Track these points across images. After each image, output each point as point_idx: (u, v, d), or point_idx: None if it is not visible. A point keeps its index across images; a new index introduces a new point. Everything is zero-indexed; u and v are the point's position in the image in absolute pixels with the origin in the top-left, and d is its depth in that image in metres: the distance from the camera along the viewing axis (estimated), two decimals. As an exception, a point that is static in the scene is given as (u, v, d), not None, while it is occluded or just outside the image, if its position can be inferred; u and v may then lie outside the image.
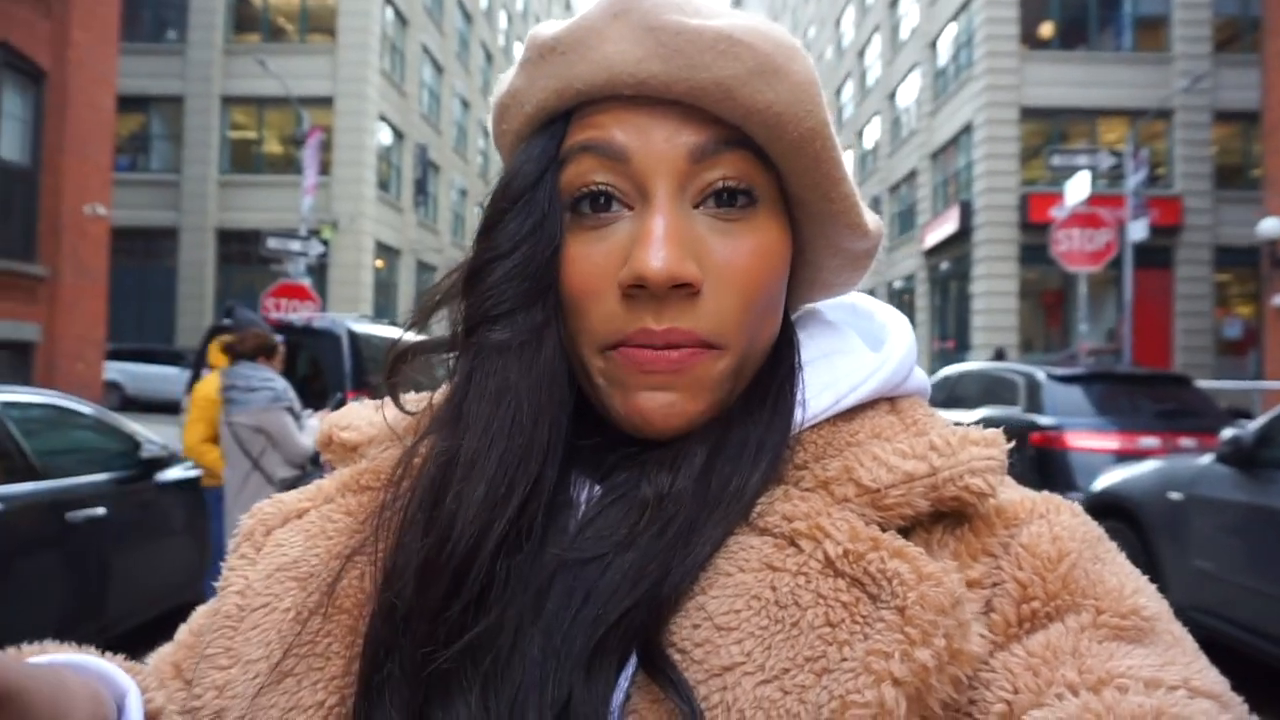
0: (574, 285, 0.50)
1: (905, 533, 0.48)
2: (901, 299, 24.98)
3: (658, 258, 0.47)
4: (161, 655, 0.58)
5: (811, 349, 0.57)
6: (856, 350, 0.57)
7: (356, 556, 0.50)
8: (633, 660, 0.44)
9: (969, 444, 0.49)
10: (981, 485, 0.47)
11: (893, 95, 26.10)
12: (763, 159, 0.51)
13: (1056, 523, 0.48)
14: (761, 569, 0.45)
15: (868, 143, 29.22)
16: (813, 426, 0.53)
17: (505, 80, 0.55)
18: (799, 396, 0.53)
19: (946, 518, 0.49)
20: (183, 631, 0.59)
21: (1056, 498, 0.51)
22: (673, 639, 0.44)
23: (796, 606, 0.44)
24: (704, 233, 0.50)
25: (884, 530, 0.47)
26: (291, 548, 0.54)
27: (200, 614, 0.58)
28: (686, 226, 0.49)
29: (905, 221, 25.15)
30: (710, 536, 0.47)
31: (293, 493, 0.58)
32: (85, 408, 4.48)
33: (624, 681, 0.44)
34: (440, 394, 0.55)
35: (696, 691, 0.42)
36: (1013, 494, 0.51)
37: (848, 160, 0.54)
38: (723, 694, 0.42)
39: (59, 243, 10.51)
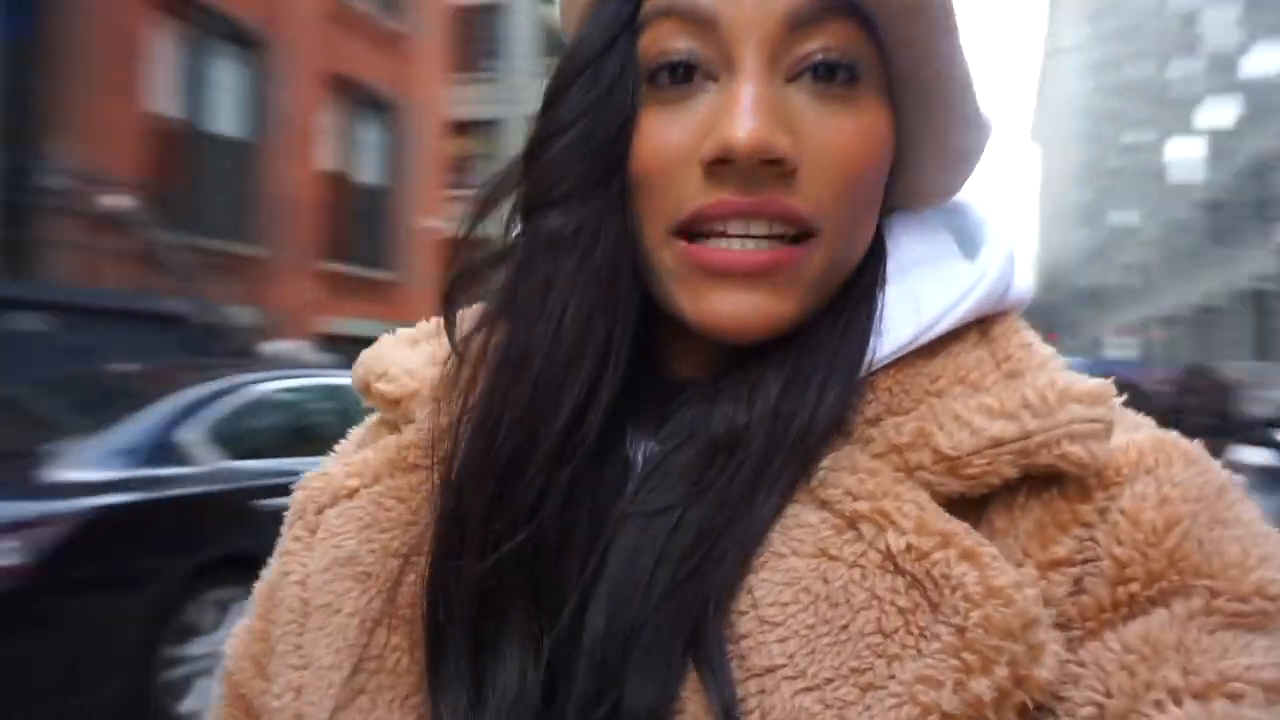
0: (645, 161, 0.44)
1: (984, 499, 0.41)
2: (1256, 300, 21.59)
3: (746, 126, 0.41)
4: (245, 644, 0.54)
5: (897, 258, 0.49)
6: (947, 260, 0.49)
7: (414, 557, 0.46)
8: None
9: (1069, 400, 0.41)
10: (1081, 454, 0.40)
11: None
12: (868, 31, 0.44)
13: (1166, 479, 0.40)
14: (816, 555, 0.40)
15: (1216, 122, 25.59)
16: (888, 365, 0.45)
17: None
18: (876, 324, 0.45)
19: (1035, 477, 0.41)
20: (252, 614, 0.55)
21: (1170, 438, 0.43)
22: (721, 630, 0.39)
23: (848, 606, 0.38)
24: (799, 109, 0.43)
25: (964, 499, 0.41)
26: (346, 538, 0.49)
27: (261, 594, 0.54)
28: (780, 99, 0.43)
29: (1258, 212, 21.69)
30: (770, 500, 0.41)
31: (338, 464, 0.53)
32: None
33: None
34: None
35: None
36: (1118, 438, 0.42)
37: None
38: (759, 698, 0.38)
39: (403, 252, 12.18)
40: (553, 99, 0.47)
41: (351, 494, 0.51)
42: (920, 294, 0.46)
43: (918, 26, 0.44)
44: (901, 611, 0.38)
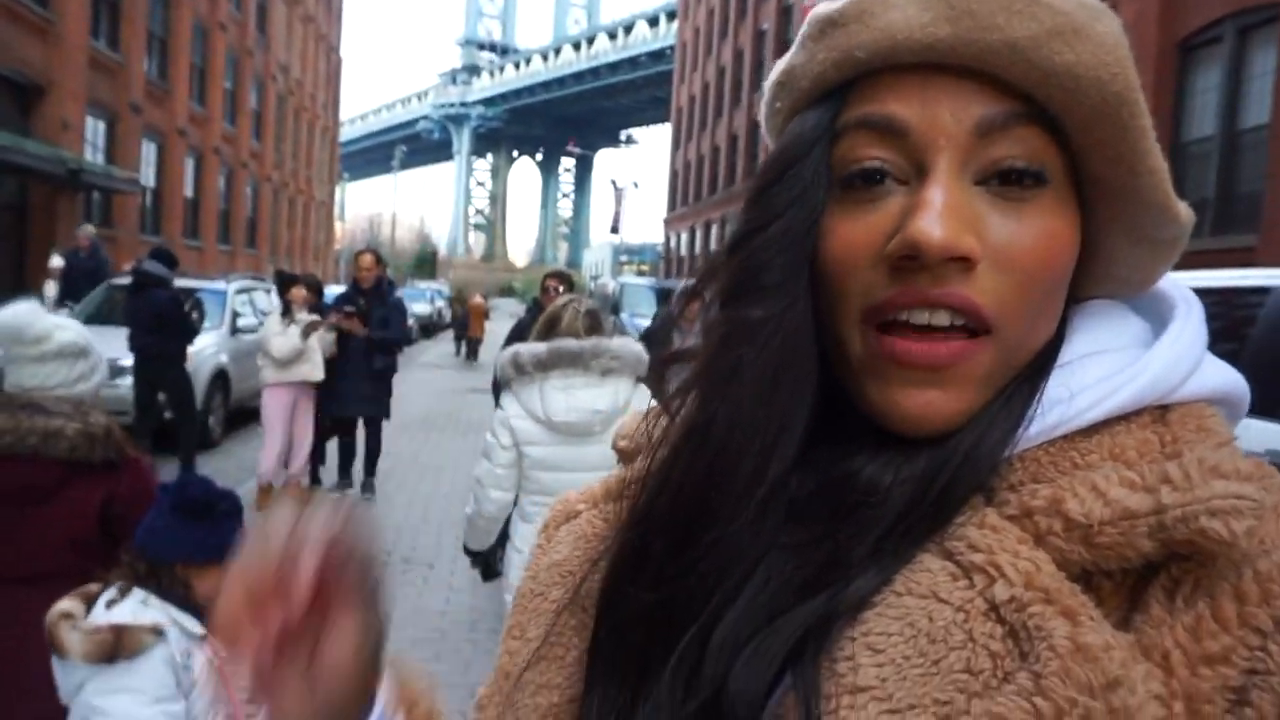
0: (833, 255, 0.48)
1: (1142, 579, 0.42)
2: None
3: (934, 224, 0.43)
4: None
5: (1076, 345, 0.50)
6: (1123, 350, 0.49)
7: (600, 562, 0.54)
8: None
9: (1216, 477, 0.40)
10: (1219, 530, 0.39)
11: None
12: (1056, 136, 0.46)
13: None
14: (927, 596, 0.43)
15: None
16: (1043, 445, 0.46)
17: (783, 60, 0.53)
18: (1031, 412, 0.47)
19: (1206, 564, 0.40)
20: None
21: None
22: (827, 646, 0.43)
23: (945, 644, 0.41)
24: (984, 211, 0.46)
25: (1104, 573, 0.41)
26: (563, 545, 0.61)
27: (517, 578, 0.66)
28: (966, 202, 0.45)
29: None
30: (900, 549, 0.45)
31: (578, 492, 0.65)
32: None
33: (787, 679, 0.43)
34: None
35: (826, 704, 0.41)
36: None
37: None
38: (848, 712, 0.41)
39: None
40: (755, 199, 0.51)
41: (577, 515, 0.63)
42: (1080, 382, 0.47)
43: (1105, 130, 0.46)
44: (992, 655, 0.40)
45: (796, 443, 0.49)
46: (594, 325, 2.84)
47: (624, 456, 0.61)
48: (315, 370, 6.45)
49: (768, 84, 0.55)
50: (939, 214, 0.44)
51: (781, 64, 0.53)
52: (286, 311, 6.47)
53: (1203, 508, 0.39)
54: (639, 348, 2.82)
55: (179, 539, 1.84)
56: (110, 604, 1.78)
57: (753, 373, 0.48)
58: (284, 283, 6.69)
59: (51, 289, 10.77)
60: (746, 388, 0.48)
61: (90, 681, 1.70)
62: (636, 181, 56.04)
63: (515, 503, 2.86)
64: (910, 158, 0.47)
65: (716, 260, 0.52)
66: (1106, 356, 0.49)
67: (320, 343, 6.43)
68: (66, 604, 1.77)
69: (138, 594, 1.80)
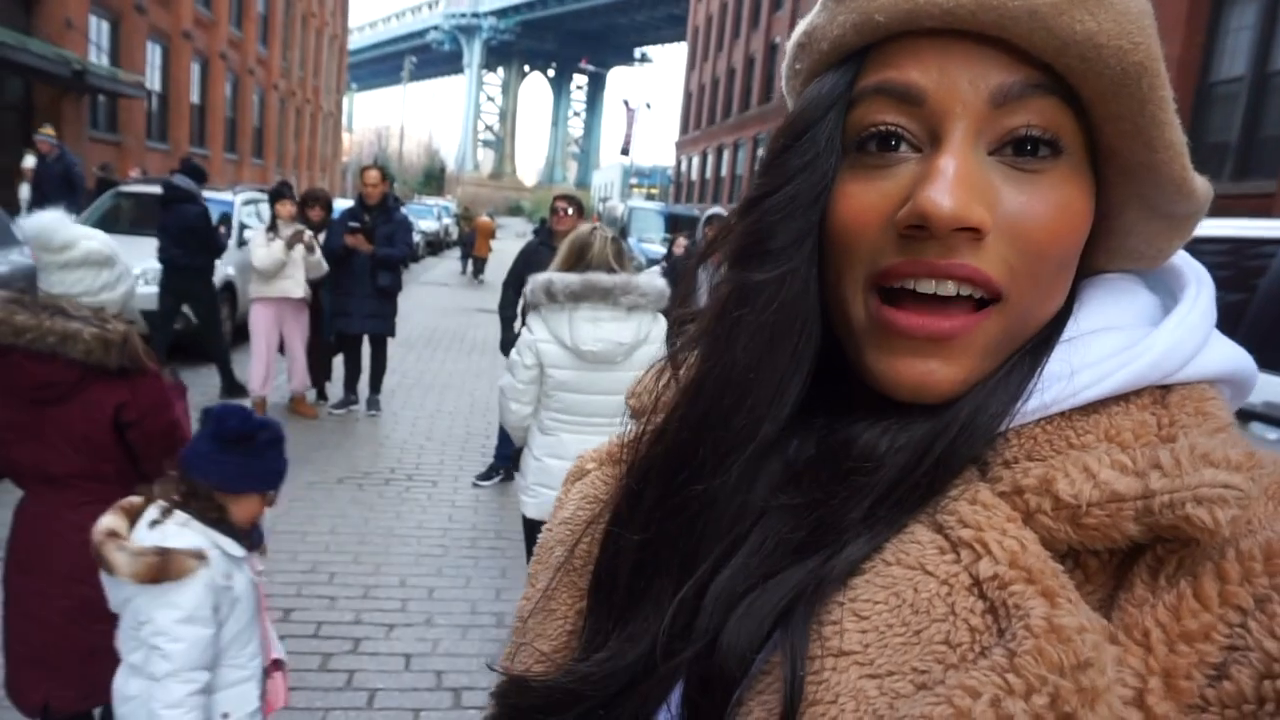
0: (842, 220, 0.48)
1: (1128, 560, 0.42)
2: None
3: (944, 195, 0.43)
4: None
5: (1083, 321, 0.50)
6: (1129, 327, 0.49)
7: (592, 527, 0.57)
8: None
9: (1205, 465, 0.40)
10: (1204, 518, 0.39)
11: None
12: (1073, 107, 0.46)
13: None
14: (915, 567, 0.43)
15: None
16: (1039, 420, 0.47)
17: (805, 20, 0.52)
18: (1032, 385, 0.47)
19: (1190, 545, 0.41)
20: None
21: None
22: (815, 610, 0.44)
23: (928, 615, 0.41)
24: (997, 181, 0.45)
25: (1090, 553, 0.42)
26: (571, 503, 0.64)
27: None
28: (979, 172, 0.45)
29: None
30: (892, 517, 0.45)
31: (592, 450, 0.67)
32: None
33: (776, 637, 0.45)
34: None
35: (810, 665, 0.42)
36: None
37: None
38: (831, 674, 0.42)
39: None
40: (768, 163, 0.51)
41: (586, 474, 0.66)
42: (1082, 359, 0.47)
43: (1124, 102, 0.45)
44: (972, 630, 0.40)
45: (790, 405, 0.50)
46: (619, 254, 3.01)
47: (635, 414, 0.61)
48: (296, 287, 6.42)
49: (789, 44, 0.55)
50: (950, 184, 0.44)
51: (803, 25, 0.53)
52: (273, 225, 6.43)
53: (1190, 495, 0.39)
54: (662, 284, 2.99)
55: (218, 466, 1.91)
56: (153, 524, 1.86)
57: (749, 335, 0.49)
58: (273, 196, 6.65)
59: (25, 191, 10.56)
60: (741, 349, 0.49)
61: (138, 598, 1.80)
62: (649, 102, 54.81)
63: (535, 414, 3.09)
64: (926, 125, 0.46)
65: (730, 221, 0.53)
66: (1112, 334, 0.49)
67: (306, 263, 6.40)
68: (111, 520, 1.85)
69: (179, 516, 1.87)
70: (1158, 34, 0.46)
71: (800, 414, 0.51)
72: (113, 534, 1.82)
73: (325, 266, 6.52)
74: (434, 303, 14.40)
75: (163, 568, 1.77)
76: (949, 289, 0.46)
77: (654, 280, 2.99)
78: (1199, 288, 0.50)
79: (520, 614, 0.63)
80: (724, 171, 36.29)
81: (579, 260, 2.96)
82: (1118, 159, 0.48)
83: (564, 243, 3.04)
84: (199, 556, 1.82)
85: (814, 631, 0.43)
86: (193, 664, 1.79)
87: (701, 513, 0.50)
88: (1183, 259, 0.54)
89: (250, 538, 1.97)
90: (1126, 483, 0.41)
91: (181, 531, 1.84)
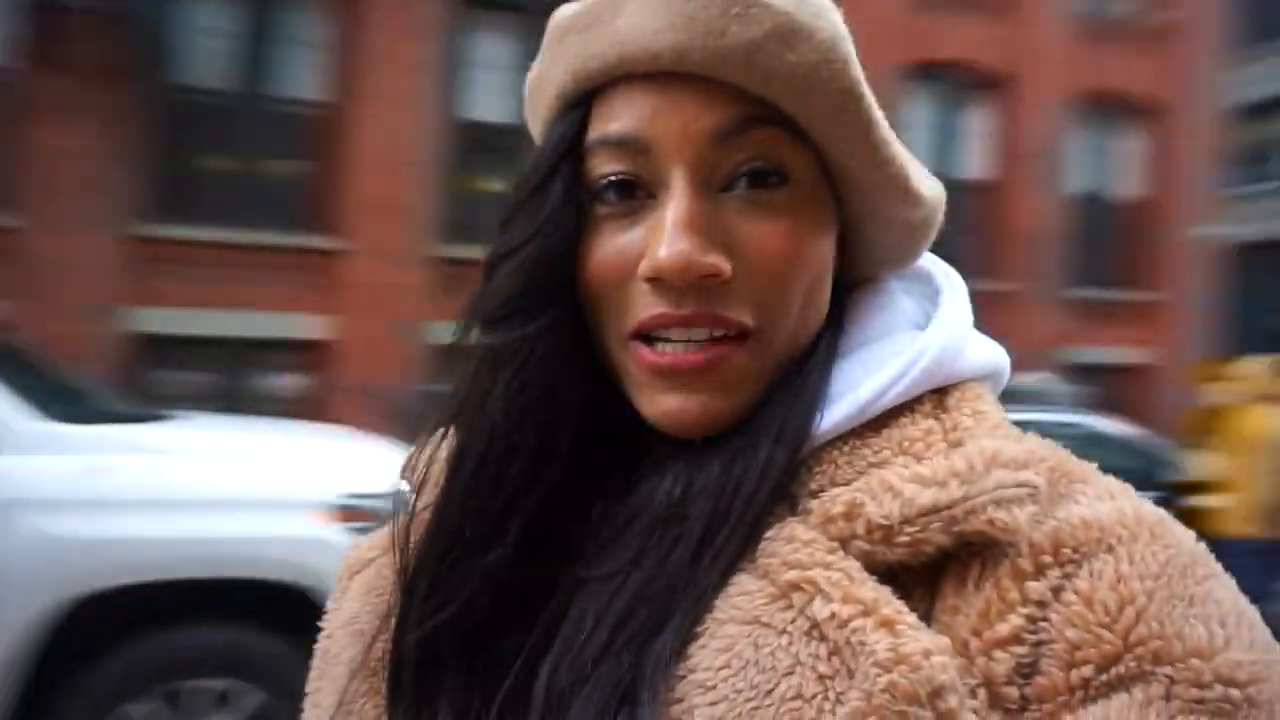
0: (590, 277, 0.48)
1: (938, 568, 0.42)
2: None
3: (671, 248, 0.44)
4: None
5: (853, 334, 0.50)
6: (897, 332, 0.50)
7: (387, 621, 0.51)
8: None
9: (996, 466, 0.41)
10: (1005, 520, 0.40)
11: None
12: (795, 134, 0.46)
13: (1126, 556, 0.39)
14: (751, 621, 0.41)
15: None
16: (836, 440, 0.46)
17: (535, 64, 0.52)
18: (820, 402, 0.47)
19: (991, 548, 0.41)
20: None
21: (1140, 510, 0.42)
22: (655, 691, 0.41)
23: (774, 671, 0.40)
24: (733, 218, 0.46)
25: (908, 569, 0.41)
26: (354, 601, 0.55)
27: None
28: (710, 213, 0.45)
29: None
30: (714, 569, 0.43)
31: (370, 538, 0.59)
32: (1115, 431, 5.00)
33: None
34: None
35: None
36: (1082, 511, 0.42)
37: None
38: None
39: (1170, 268, 11.02)
40: (507, 219, 0.50)
41: (369, 564, 0.57)
42: (863, 370, 0.48)
43: (838, 126, 0.47)
44: (821, 678, 0.39)
45: (558, 468, 0.48)
46: None
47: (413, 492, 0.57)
48: None
49: (526, 87, 0.54)
50: (681, 234, 0.44)
51: (533, 68, 0.53)
52: None
53: (989, 498, 0.41)
54: None
55: None
56: None
57: (507, 397, 0.47)
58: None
59: None
60: (496, 417, 0.48)
61: None
62: None
63: None
64: (653, 172, 0.47)
65: (479, 285, 0.52)
66: (883, 343, 0.50)
67: None
68: None
69: None
70: (856, 60, 0.47)
71: (597, 473, 0.50)
72: None
73: None
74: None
75: None
76: (700, 334, 0.46)
77: None
78: (951, 289, 0.53)
79: None
80: None
81: None
82: (846, 176, 0.49)
83: None
84: None
85: (662, 714, 0.41)
86: None
87: (484, 594, 0.47)
88: (930, 261, 0.56)
89: None
90: (930, 495, 0.42)
91: None
